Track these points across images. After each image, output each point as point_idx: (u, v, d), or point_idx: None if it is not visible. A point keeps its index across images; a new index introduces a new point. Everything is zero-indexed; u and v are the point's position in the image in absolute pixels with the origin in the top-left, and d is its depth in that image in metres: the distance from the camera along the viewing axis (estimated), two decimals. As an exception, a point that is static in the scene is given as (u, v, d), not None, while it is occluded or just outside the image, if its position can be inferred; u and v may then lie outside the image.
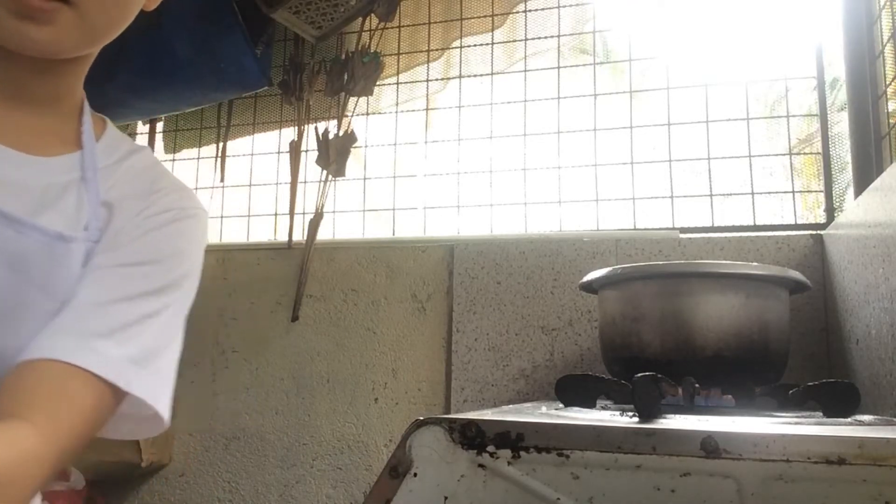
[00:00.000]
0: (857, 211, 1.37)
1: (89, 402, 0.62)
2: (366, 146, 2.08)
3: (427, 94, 2.05)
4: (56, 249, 0.67)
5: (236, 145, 2.20)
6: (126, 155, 0.77)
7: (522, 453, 0.65)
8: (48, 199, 0.69)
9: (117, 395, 0.65)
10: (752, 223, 1.73)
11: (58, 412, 0.60)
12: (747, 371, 1.13)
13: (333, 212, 2.03)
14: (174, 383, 0.72)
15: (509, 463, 0.65)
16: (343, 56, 1.99)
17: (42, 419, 0.58)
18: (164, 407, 0.69)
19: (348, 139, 1.95)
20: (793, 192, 1.77)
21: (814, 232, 1.64)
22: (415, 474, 0.67)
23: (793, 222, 1.72)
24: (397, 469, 0.67)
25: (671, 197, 1.79)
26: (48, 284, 0.66)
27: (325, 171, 1.95)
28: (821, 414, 0.98)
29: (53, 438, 0.58)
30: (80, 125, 0.75)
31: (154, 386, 0.67)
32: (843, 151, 1.64)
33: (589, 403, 1.03)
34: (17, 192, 0.67)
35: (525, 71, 1.97)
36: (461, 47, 2.03)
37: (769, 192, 1.77)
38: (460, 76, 2.02)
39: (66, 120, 0.75)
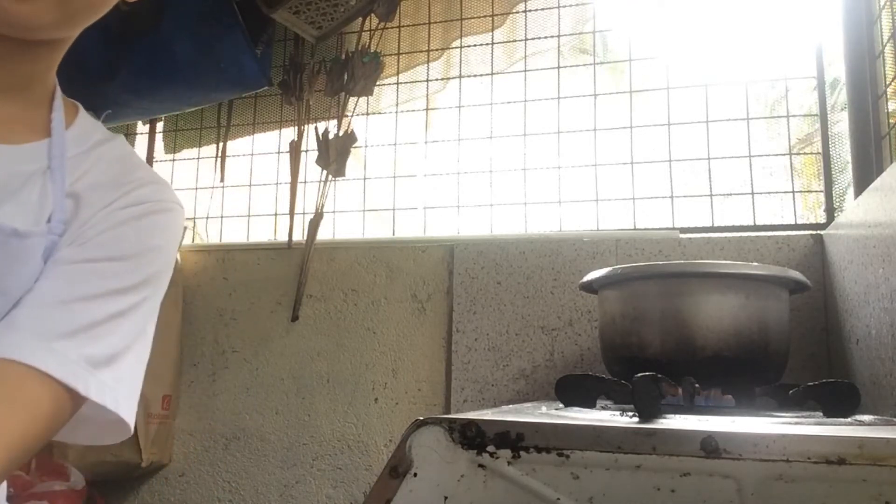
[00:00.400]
0: (857, 211, 1.37)
1: (45, 404, 0.59)
2: (366, 146, 2.08)
3: (427, 94, 2.05)
4: (11, 246, 0.63)
5: (236, 145, 2.20)
6: (98, 143, 0.73)
7: (522, 453, 0.65)
8: (9, 190, 0.65)
9: (76, 398, 0.62)
10: (752, 223, 1.73)
11: (9, 414, 0.57)
12: (747, 371, 1.13)
13: (333, 212, 2.03)
14: (139, 387, 0.69)
15: (509, 463, 0.65)
16: (343, 56, 1.99)
17: None
18: (126, 412, 0.65)
19: (348, 139, 1.95)
20: (793, 192, 1.77)
21: (814, 232, 1.64)
22: (415, 474, 0.66)
23: (793, 222, 1.72)
24: (397, 469, 0.67)
25: (671, 197, 1.79)
26: (3, 283, 0.63)
27: (325, 171, 1.95)
28: (821, 414, 0.98)
29: (2, 441, 0.56)
30: (51, 112, 0.72)
31: (115, 390, 0.64)
32: (843, 151, 1.64)
33: (589, 403, 1.03)
34: None
35: (525, 71, 1.97)
36: (461, 47, 2.03)
37: (769, 192, 1.77)
38: (460, 76, 2.02)
39: (36, 107, 0.71)
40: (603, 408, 1.02)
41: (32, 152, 0.68)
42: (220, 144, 2.18)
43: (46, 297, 0.63)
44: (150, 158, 2.22)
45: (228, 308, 1.98)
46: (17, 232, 0.63)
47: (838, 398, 0.98)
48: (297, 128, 2.05)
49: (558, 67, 1.94)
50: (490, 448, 0.66)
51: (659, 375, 0.83)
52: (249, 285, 1.98)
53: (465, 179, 1.97)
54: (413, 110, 2.06)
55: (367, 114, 2.07)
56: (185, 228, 2.08)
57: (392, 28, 2.04)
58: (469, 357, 1.75)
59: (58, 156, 0.69)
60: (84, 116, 0.76)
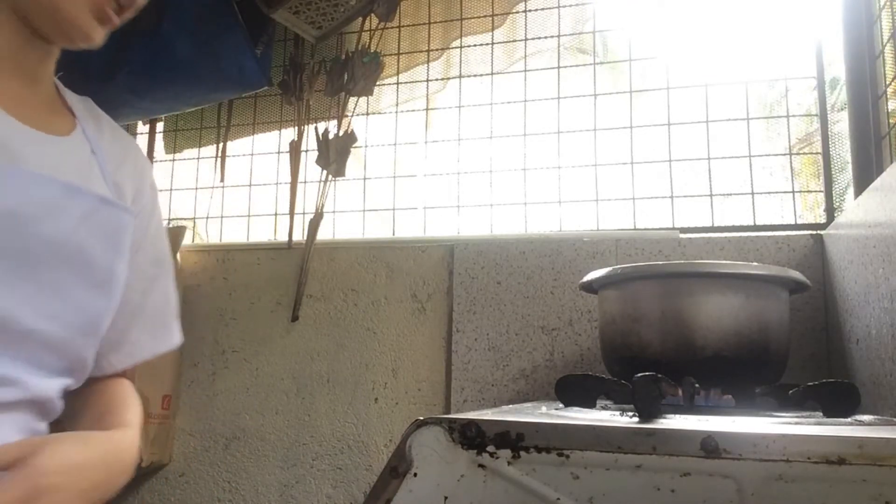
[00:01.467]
0: (857, 211, 1.37)
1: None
2: (366, 146, 2.07)
3: (427, 94, 2.05)
4: (129, 224, 0.80)
5: (236, 145, 2.20)
6: (93, 115, 0.86)
7: (522, 453, 0.65)
8: (85, 173, 0.78)
9: None
10: (752, 223, 1.73)
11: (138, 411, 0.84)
12: (747, 371, 1.13)
13: (333, 212, 2.03)
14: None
15: (509, 463, 0.65)
16: (343, 56, 1.99)
17: (137, 419, 0.81)
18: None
19: (348, 139, 1.95)
20: (793, 192, 1.77)
21: (814, 232, 1.64)
22: (415, 474, 0.66)
23: (793, 222, 1.72)
24: (397, 469, 0.67)
25: (671, 197, 1.79)
26: (125, 255, 0.80)
27: (325, 171, 1.95)
28: (821, 414, 0.98)
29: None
30: (60, 94, 0.84)
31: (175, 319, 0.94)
32: (843, 151, 1.64)
33: (589, 403, 1.03)
34: (76, 172, 0.77)
35: (525, 71, 1.97)
36: (461, 47, 2.03)
37: (769, 192, 1.77)
38: (460, 76, 2.02)
39: (47, 90, 0.82)
40: (603, 408, 1.02)
41: (79, 139, 0.80)
42: (220, 144, 2.17)
43: (155, 302, 0.90)
44: (150, 158, 2.21)
45: (228, 308, 1.98)
46: (129, 211, 0.81)
47: (838, 398, 0.98)
48: (297, 128, 2.04)
49: (558, 67, 1.94)
50: (490, 448, 0.66)
51: (659, 375, 0.83)
52: (249, 285, 1.98)
53: (465, 179, 1.97)
54: (413, 110, 2.06)
55: (367, 114, 2.07)
56: (186, 230, 2.08)
57: (392, 28, 2.04)
58: (469, 357, 1.75)
59: (94, 139, 0.82)
60: (58, 83, 0.87)
